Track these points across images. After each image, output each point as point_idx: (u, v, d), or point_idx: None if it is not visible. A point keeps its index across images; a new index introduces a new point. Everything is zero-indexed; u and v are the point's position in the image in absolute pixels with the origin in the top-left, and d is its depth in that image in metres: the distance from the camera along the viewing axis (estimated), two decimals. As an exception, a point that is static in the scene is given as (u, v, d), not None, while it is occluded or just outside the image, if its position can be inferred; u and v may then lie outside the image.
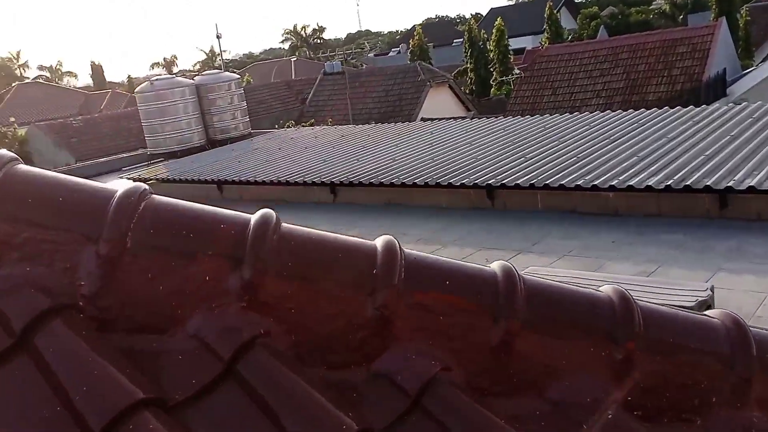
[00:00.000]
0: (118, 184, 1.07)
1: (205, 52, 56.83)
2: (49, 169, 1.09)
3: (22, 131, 28.91)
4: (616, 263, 5.67)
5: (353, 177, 8.66)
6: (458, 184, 7.64)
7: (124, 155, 15.18)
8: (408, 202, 8.31)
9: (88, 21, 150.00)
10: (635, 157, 7.36)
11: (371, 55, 51.95)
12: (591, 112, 10.29)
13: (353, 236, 0.97)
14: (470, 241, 6.70)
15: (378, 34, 69.15)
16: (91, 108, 38.50)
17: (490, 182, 7.43)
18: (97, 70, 52.96)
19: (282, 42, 58.42)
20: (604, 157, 7.60)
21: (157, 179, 10.87)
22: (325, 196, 8.99)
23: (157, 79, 14.25)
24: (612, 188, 6.66)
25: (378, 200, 8.55)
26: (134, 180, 11.03)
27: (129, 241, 0.92)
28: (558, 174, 7.23)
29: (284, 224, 0.99)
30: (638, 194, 6.57)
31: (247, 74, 44.29)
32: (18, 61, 56.59)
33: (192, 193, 10.43)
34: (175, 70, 58.58)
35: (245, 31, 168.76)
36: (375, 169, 8.89)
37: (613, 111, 10.11)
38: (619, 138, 8.31)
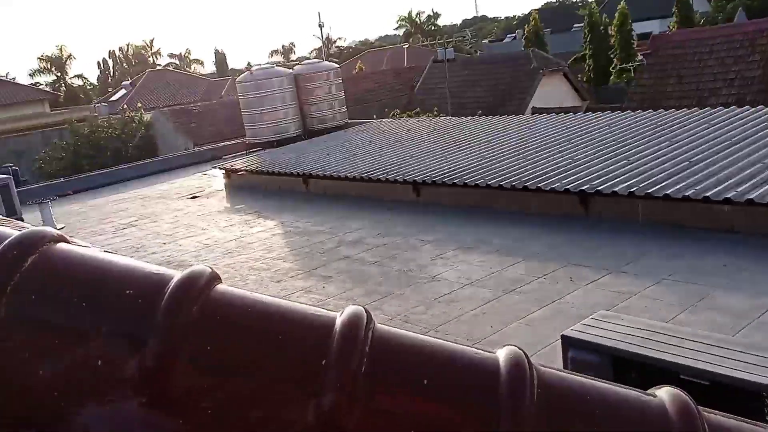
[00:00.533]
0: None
1: (321, 39, 57.71)
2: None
3: (147, 116, 30.54)
4: (726, 294, 4.76)
5: (437, 176, 8.09)
6: (548, 188, 6.88)
7: (226, 143, 15.43)
8: (494, 206, 7.64)
9: (213, 9, 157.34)
10: (760, 164, 6.28)
11: (486, 41, 50.65)
12: (714, 107, 9.07)
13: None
14: (554, 255, 5.97)
15: (494, 19, 67.28)
16: (213, 94, 40.14)
17: (583, 188, 6.63)
18: (220, 58, 55.27)
19: (396, 29, 58.23)
20: (722, 163, 6.54)
21: (246, 170, 10.80)
22: (409, 195, 8.49)
23: (256, 69, 14.29)
24: (728, 201, 5.67)
25: (462, 202, 7.94)
26: (225, 170, 11.03)
27: (2, 309, 0.68)
28: (664, 181, 6.29)
29: (219, 286, 0.69)
30: (761, 209, 5.56)
31: (360, 62, 44.47)
32: (151, 49, 60.20)
33: (278, 185, 10.28)
34: (293, 57, 60.04)
35: (361, 18, 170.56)
36: (463, 167, 8.27)
37: (746, 104, 8.84)
38: (744, 140, 7.18)
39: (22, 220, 9.76)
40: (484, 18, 69.33)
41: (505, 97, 24.59)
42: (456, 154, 9.15)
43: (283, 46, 58.53)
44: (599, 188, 6.51)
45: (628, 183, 6.45)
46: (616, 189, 6.39)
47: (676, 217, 6.12)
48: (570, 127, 9.37)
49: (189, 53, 60.10)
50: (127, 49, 58.08)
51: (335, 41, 58.52)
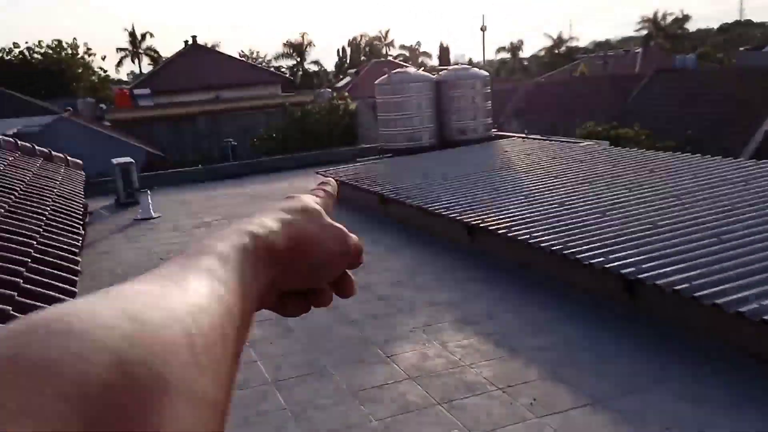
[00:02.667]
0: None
1: (552, 38, 55.07)
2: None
3: (353, 105, 31.58)
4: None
5: (494, 222, 6.71)
6: (600, 267, 5.22)
7: (363, 146, 15.00)
8: (543, 270, 6.10)
9: (448, 3, 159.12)
10: None
11: (742, 49, 44.10)
12: None
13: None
14: (610, 373, 4.44)
15: (761, 25, 58.30)
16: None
17: (639, 276, 4.88)
18: (444, 52, 55.47)
19: (637, 30, 53.37)
20: None
21: (338, 181, 10.20)
22: (463, 237, 7.21)
23: (396, 72, 13.56)
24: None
25: (513, 257, 6.50)
26: (325, 175, 10.54)
27: None
28: None
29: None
30: None
31: (583, 65, 41.54)
32: (385, 40, 62.57)
33: (362, 201, 9.52)
34: (520, 55, 58.23)
35: (603, 17, 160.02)
36: (540, 214, 6.77)
37: None
38: None
39: (137, 203, 10.24)
40: (748, 23, 60.46)
41: (735, 116, 21.11)
42: (562, 196, 7.59)
43: (511, 43, 56.93)
44: (646, 276, 4.74)
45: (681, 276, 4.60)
46: (663, 281, 4.59)
47: None
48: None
49: (419, 46, 61.27)
50: (361, 39, 60.97)
51: (567, 40, 55.42)
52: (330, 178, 0.66)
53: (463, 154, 11.00)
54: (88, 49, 59.68)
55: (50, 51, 55.82)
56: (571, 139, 12.92)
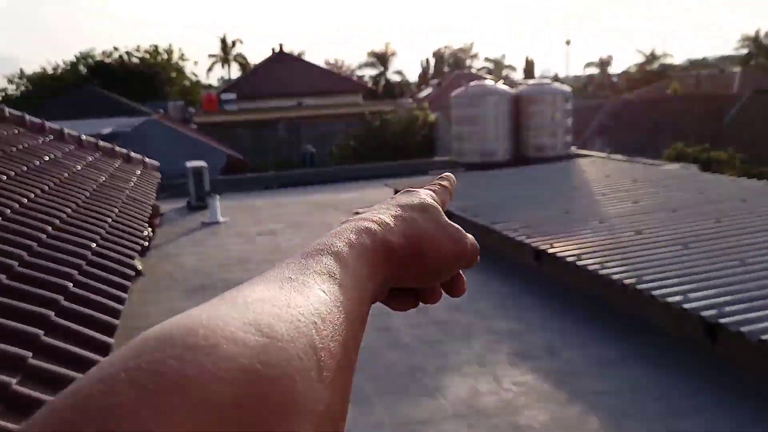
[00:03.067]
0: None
1: (643, 54, 53.02)
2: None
3: (432, 116, 31.41)
4: None
5: (564, 248, 6.27)
6: (678, 307, 4.73)
7: (436, 159, 14.70)
8: (614, 304, 5.62)
9: (535, 18, 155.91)
10: None
11: None
12: None
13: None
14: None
15: None
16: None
17: (721, 320, 4.36)
18: (529, 65, 54.40)
19: (737, 49, 50.54)
20: None
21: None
22: (530, 261, 6.79)
23: (473, 85, 13.19)
24: None
25: (582, 287, 6.04)
26: (395, 189, 10.34)
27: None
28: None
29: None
30: None
31: (675, 82, 39.79)
32: (470, 52, 62.00)
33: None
34: (609, 71, 56.46)
35: (700, 34, 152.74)
36: (614, 242, 6.29)
37: None
38: None
39: (205, 207, 10.36)
40: None
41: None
42: (638, 225, 7.07)
43: (600, 59, 55.17)
44: (727, 320, 4.22)
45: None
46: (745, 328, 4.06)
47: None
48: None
49: (504, 59, 60.41)
50: (445, 50, 60.67)
51: (660, 57, 53.25)
52: (448, 173, 0.63)
53: (538, 172, 10.52)
54: (182, 54, 62.13)
55: (147, 56, 58.59)
56: (657, 162, 12.18)
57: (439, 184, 0.59)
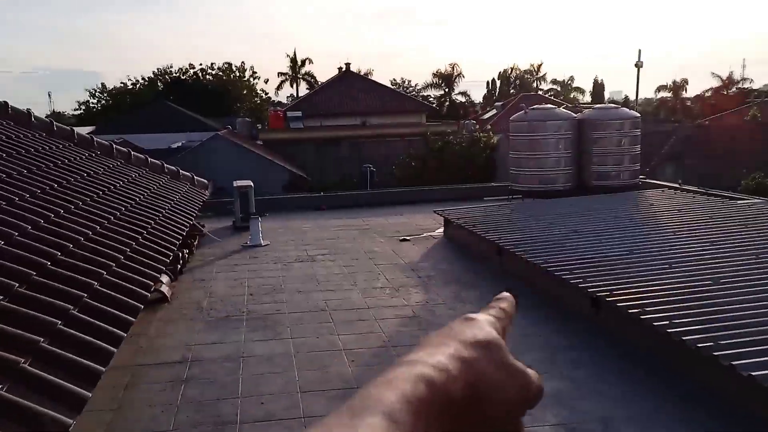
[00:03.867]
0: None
1: (720, 78, 50.48)
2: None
3: (495, 138, 30.53)
4: None
5: (626, 295, 5.43)
6: (764, 384, 3.85)
7: (492, 185, 13.90)
8: (686, 368, 4.74)
9: (602, 38, 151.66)
10: None
11: None
12: None
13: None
14: None
15: None
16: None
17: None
18: (598, 88, 52.63)
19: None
20: None
21: (457, 223, 9.21)
22: (586, 308, 5.96)
23: (533, 109, 12.35)
24: None
25: (646, 344, 5.17)
26: (444, 217, 9.64)
27: None
28: None
29: None
30: None
31: (755, 108, 37.60)
32: (537, 74, 60.69)
33: (479, 249, 8.47)
34: (683, 95, 54.06)
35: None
36: (686, 291, 5.42)
37: None
38: None
39: (247, 228, 9.94)
40: None
41: None
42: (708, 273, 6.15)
43: (674, 82, 52.81)
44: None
45: None
46: None
47: None
48: None
49: (572, 81, 58.75)
50: (512, 71, 59.52)
51: (738, 81, 50.57)
52: (507, 294, 0.57)
53: (601, 203, 9.60)
54: (254, 72, 63.34)
55: (220, 73, 59.97)
56: (735, 194, 11.02)
57: (499, 308, 0.53)
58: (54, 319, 3.98)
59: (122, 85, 57.06)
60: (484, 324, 0.47)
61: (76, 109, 61.17)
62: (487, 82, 64.03)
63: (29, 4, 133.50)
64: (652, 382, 4.67)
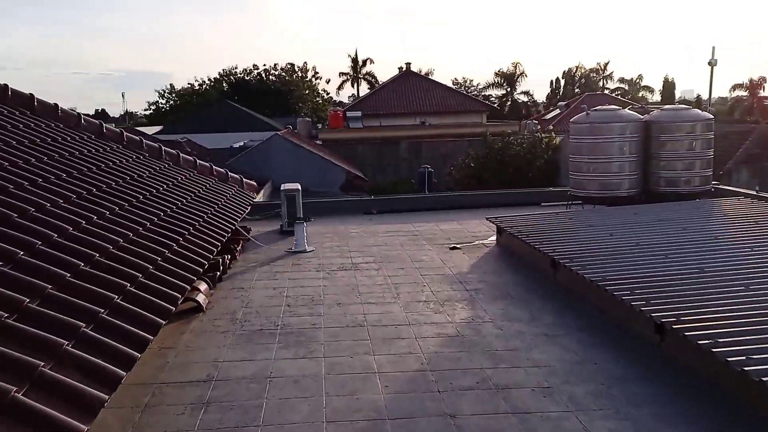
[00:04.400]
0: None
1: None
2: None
3: (557, 139, 29.52)
4: None
5: (696, 322, 4.79)
6: None
7: (550, 190, 13.17)
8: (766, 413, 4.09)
9: (674, 34, 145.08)
10: None
11: None
12: None
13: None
14: None
15: None
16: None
17: None
18: (668, 86, 50.41)
19: None
20: None
21: (510, 233, 8.64)
22: (650, 334, 5.33)
23: (595, 110, 11.58)
24: None
25: (721, 381, 4.53)
26: (497, 225, 9.09)
27: None
28: None
29: None
30: None
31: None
32: (603, 72, 58.61)
33: (533, 260, 7.90)
34: (761, 93, 51.18)
35: None
36: (755, 327, 4.76)
37: None
38: None
39: (293, 233, 9.68)
40: None
41: None
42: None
43: (750, 80, 49.95)
44: None
45: None
46: None
47: None
48: None
49: (640, 79, 56.46)
50: (576, 70, 57.67)
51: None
52: None
53: (668, 212, 8.84)
54: (316, 72, 63.78)
55: (283, 73, 60.62)
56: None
57: None
58: (80, 322, 3.71)
59: (189, 86, 58.45)
60: None
61: (146, 109, 63.11)
62: (551, 81, 62.40)
63: (106, 8, 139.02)
64: (729, 427, 4.04)
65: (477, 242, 9.61)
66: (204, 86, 58.11)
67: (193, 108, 52.92)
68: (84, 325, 3.75)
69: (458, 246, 9.37)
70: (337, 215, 12.28)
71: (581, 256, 6.93)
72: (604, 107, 12.05)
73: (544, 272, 7.48)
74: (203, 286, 7.03)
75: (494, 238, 9.62)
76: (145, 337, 4.11)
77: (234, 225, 8.24)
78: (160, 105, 58.77)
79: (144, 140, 9.95)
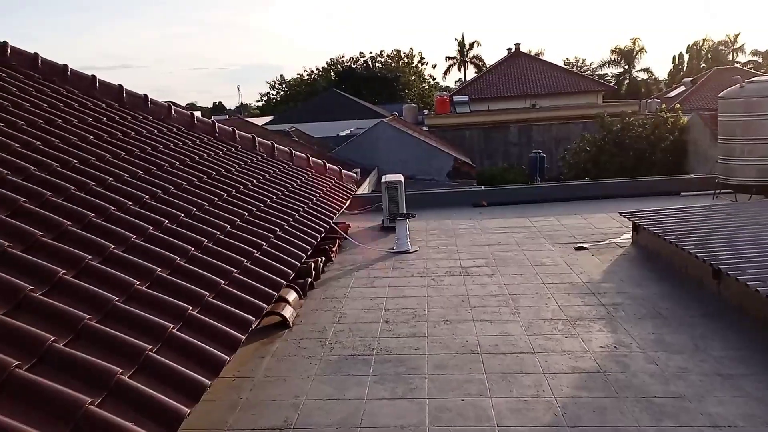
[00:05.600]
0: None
1: None
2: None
3: (684, 119, 26.75)
4: None
5: None
6: None
7: (692, 176, 11.26)
8: None
9: None
10: None
11: None
12: None
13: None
14: None
15: None
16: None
17: None
18: (813, 58, 44.62)
19: None
20: None
21: (654, 231, 7.12)
22: None
23: (751, 82, 9.58)
24: None
25: None
26: (633, 221, 7.60)
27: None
28: None
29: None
30: None
31: None
32: (733, 45, 53.10)
33: (685, 266, 6.38)
34: None
35: None
36: None
37: None
38: None
39: (393, 229, 8.69)
40: None
41: None
42: None
43: None
44: None
45: None
46: None
47: None
48: None
49: (776, 51, 50.64)
50: (703, 43, 52.60)
51: None
52: None
53: None
54: (422, 58, 62.59)
55: (389, 60, 59.89)
56: None
57: None
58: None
59: (299, 76, 59.09)
60: None
61: (258, 101, 64.62)
62: (674, 57, 57.43)
63: (224, 4, 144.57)
64: None
65: (608, 241, 8.13)
66: (312, 76, 58.55)
67: (302, 98, 53.40)
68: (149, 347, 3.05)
69: (585, 246, 7.94)
70: (443, 208, 11.11)
71: (754, 264, 5.36)
72: (763, 78, 10.04)
73: (702, 283, 5.95)
74: (292, 296, 6.12)
75: (629, 236, 8.10)
76: (220, 357, 3.31)
77: (328, 224, 7.31)
78: (271, 96, 59.89)
79: (237, 131, 9.23)
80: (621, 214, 8.16)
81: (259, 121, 41.39)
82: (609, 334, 5.15)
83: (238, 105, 66.59)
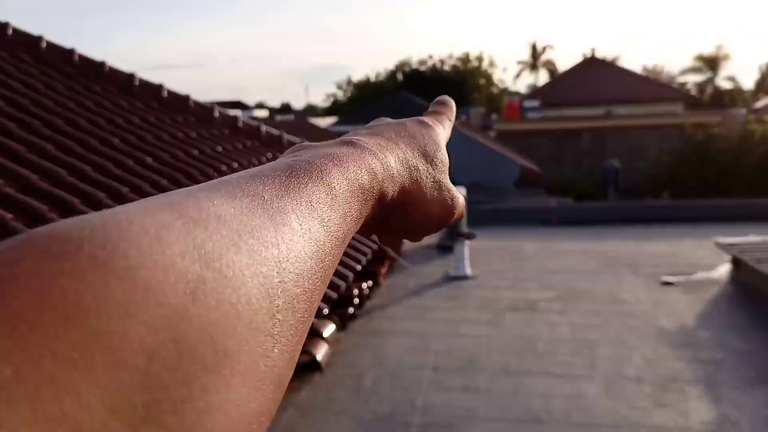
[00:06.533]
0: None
1: None
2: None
3: (779, 128, 24.72)
4: None
5: None
6: None
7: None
8: None
9: None
10: None
11: None
12: None
13: None
14: None
15: None
16: None
17: None
18: None
19: None
20: None
21: (759, 268, 5.94)
22: None
23: None
24: None
25: None
26: (728, 250, 6.44)
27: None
28: None
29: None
30: None
31: None
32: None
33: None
34: None
35: None
36: None
37: None
38: None
39: (450, 249, 7.84)
40: None
41: None
42: None
43: None
44: None
45: None
46: None
47: None
48: None
49: None
50: (797, 50, 48.85)
51: None
52: (448, 98, 0.53)
53: None
54: (492, 61, 61.15)
55: (458, 63, 58.78)
56: None
57: (447, 117, 0.50)
58: None
59: (366, 77, 58.75)
60: (437, 136, 0.44)
61: (325, 101, 64.74)
62: (760, 66, 53.70)
63: (294, 5, 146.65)
64: None
65: (700, 274, 6.96)
66: (380, 78, 58.10)
67: (368, 99, 52.99)
68: None
69: (672, 280, 6.80)
70: (508, 225, 10.10)
71: None
72: None
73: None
74: (328, 330, 5.32)
75: (726, 269, 6.91)
76: None
77: (378, 243, 6.49)
78: (338, 97, 59.80)
79: (285, 135, 8.54)
80: (717, 244, 6.97)
81: (324, 121, 41.19)
82: (711, 404, 4.09)
83: (305, 105, 66.96)
